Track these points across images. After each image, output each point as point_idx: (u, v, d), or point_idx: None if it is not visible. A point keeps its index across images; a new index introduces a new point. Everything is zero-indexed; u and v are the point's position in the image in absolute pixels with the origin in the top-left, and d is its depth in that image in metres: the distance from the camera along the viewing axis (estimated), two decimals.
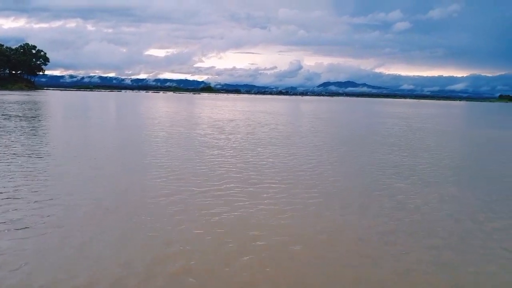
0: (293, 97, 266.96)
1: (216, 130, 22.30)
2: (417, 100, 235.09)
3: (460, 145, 20.06)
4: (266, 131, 22.28)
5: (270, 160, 13.43)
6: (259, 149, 15.73)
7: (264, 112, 40.64)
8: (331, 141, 19.25)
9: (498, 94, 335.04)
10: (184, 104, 61.58)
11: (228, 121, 29.08)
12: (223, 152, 14.78)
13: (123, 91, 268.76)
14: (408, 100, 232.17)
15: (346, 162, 13.66)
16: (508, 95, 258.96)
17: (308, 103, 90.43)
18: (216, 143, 17.16)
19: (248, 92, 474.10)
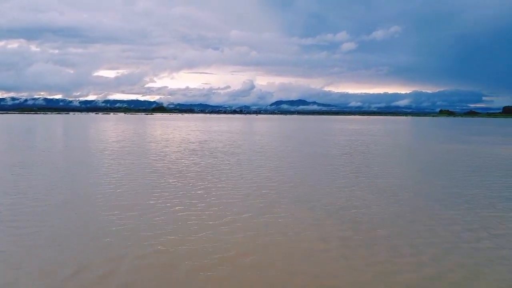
0: (248, 116, 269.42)
1: (205, 155, 21.93)
2: (367, 116, 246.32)
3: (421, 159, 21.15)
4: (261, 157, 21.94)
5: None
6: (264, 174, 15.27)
7: (234, 132, 40.95)
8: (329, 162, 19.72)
9: (438, 109, 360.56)
10: (140, 125, 60.36)
11: (207, 142, 28.71)
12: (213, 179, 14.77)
13: (71, 113, 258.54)
14: (357, 116, 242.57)
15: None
16: (448, 110, 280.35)
17: (268, 122, 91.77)
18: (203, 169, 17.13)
19: (202, 111, 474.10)
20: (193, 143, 28.15)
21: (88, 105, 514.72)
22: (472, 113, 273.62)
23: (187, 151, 22.79)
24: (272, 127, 61.88)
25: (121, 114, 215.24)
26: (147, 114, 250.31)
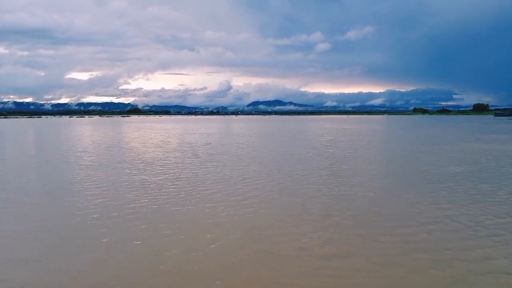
0: (226, 116, 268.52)
1: (205, 158, 21.45)
2: (346, 115, 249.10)
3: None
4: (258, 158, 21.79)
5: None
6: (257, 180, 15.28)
7: (222, 134, 40.13)
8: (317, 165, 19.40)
9: (412, 108, 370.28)
10: (124, 129, 58.75)
11: (202, 145, 27.98)
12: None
13: (43, 117, 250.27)
14: (335, 116, 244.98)
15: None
16: (421, 108, 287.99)
17: (252, 123, 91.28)
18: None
19: (178, 113, 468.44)
20: (199, 148, 27.31)
21: (61, 108, 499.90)
22: (444, 110, 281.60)
23: (203, 158, 22.10)
24: (259, 127, 61.43)
25: (96, 117, 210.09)
26: (123, 116, 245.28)
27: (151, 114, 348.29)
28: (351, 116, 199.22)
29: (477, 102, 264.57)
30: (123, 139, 33.87)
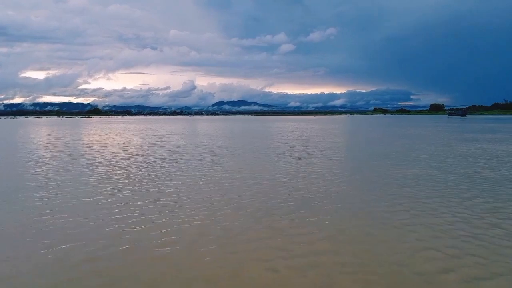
0: (191, 116, 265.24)
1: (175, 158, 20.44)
2: (313, 116, 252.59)
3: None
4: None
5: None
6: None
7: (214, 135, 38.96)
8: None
9: (372, 108, 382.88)
10: (87, 130, 56.22)
11: (174, 147, 26.96)
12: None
13: None
14: (302, 116, 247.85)
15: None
16: (381, 108, 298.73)
17: (217, 123, 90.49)
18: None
19: (140, 113, 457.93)
20: (171, 149, 26.66)
21: (14, 109, 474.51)
22: (403, 110, 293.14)
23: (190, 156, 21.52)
24: (233, 128, 61.04)
25: (55, 118, 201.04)
26: (84, 117, 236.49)
27: (111, 115, 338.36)
28: (317, 116, 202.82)
29: (433, 103, 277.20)
30: (95, 143, 32.46)
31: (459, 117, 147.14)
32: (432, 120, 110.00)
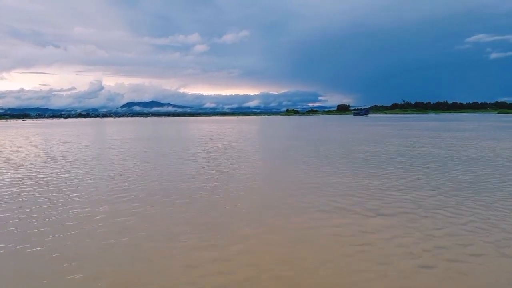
0: (98, 119, 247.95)
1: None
2: (236, 116, 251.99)
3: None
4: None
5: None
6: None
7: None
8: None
9: (284, 109, 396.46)
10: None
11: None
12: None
13: None
14: (223, 117, 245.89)
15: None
16: (293, 109, 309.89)
17: (132, 125, 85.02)
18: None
19: (40, 116, 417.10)
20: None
21: None
22: (313, 111, 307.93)
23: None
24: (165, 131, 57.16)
25: None
26: None
27: (6, 118, 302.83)
28: (240, 118, 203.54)
29: (339, 103, 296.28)
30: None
31: (362, 116, 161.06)
32: (343, 119, 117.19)
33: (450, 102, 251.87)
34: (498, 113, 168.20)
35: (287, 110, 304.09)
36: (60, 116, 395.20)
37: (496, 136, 28.80)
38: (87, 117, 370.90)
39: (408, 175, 12.12)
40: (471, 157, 16.32)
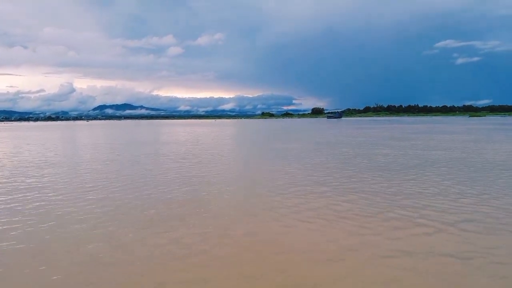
0: (69, 122, 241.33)
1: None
2: (213, 119, 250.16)
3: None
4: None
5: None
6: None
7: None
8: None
9: (259, 112, 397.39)
10: None
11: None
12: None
13: None
14: (200, 120, 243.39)
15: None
16: (268, 112, 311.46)
17: (108, 128, 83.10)
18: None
19: (7, 119, 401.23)
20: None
21: None
22: (288, 114, 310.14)
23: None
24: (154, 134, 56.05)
25: None
26: None
27: None
28: (218, 120, 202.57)
29: (313, 107, 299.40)
30: None
31: (336, 119, 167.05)
32: (319, 122, 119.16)
33: (421, 105, 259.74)
34: (470, 116, 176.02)
35: (263, 113, 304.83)
36: (28, 119, 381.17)
37: (497, 139, 30.65)
38: (57, 120, 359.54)
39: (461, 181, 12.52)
40: (497, 160, 17.37)
